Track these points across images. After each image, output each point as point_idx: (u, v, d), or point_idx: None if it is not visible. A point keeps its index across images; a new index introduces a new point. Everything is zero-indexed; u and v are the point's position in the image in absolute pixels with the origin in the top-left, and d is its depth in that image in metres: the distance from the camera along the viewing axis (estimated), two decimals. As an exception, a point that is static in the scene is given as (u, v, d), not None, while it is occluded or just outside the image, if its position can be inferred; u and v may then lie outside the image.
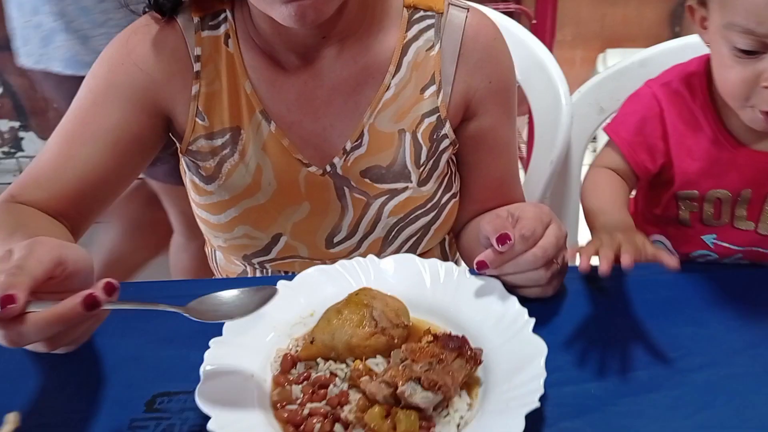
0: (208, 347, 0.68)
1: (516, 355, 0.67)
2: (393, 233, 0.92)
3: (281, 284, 0.76)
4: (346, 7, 0.81)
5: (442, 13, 0.86)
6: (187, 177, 0.95)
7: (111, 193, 0.90)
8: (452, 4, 0.87)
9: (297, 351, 0.71)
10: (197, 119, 0.87)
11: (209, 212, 0.93)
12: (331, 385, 0.66)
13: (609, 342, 0.74)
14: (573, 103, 1.15)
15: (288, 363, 0.69)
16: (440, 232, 0.95)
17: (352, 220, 0.91)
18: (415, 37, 0.87)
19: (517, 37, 1.18)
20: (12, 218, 0.80)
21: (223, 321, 0.65)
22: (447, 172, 0.95)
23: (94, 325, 0.65)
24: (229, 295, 0.64)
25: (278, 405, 0.65)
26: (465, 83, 0.88)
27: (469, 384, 0.67)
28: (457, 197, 0.98)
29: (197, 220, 0.97)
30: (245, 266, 1.01)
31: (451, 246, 1.07)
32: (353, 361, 0.68)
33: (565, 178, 1.19)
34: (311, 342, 0.69)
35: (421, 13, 0.87)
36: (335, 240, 0.92)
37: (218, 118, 0.86)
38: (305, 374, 0.68)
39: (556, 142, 1.12)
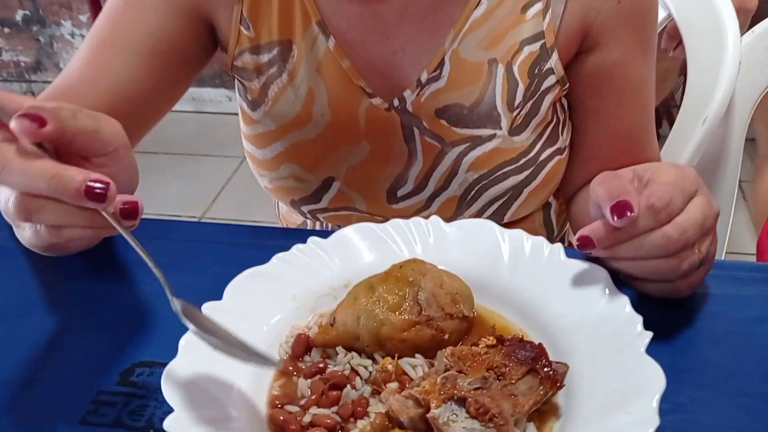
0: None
1: (617, 384, 0.45)
2: (473, 193, 0.74)
3: (312, 241, 0.59)
4: None
5: None
6: (238, 103, 0.79)
7: (150, 112, 0.76)
8: None
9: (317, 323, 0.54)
10: (241, 27, 0.72)
11: (255, 145, 0.78)
12: (348, 387, 0.48)
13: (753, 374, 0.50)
14: (742, 47, 0.88)
15: (301, 346, 0.52)
16: (537, 196, 0.77)
17: (421, 171, 0.74)
18: None
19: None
20: None
21: (196, 333, 0.47)
22: (551, 120, 0.74)
23: (80, 239, 0.50)
24: (229, 335, 0.47)
25: (277, 403, 0.48)
26: (583, 2, 0.68)
27: (543, 415, 0.47)
28: (565, 154, 0.77)
29: (246, 155, 0.81)
30: (305, 218, 0.85)
31: (559, 215, 0.85)
32: (383, 358, 0.50)
33: (722, 144, 0.93)
34: (331, 324, 0.51)
35: None
36: (399, 194, 0.75)
37: (266, 28, 0.71)
38: (319, 366, 0.50)
39: (715, 94, 0.86)
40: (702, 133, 0.87)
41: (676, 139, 0.92)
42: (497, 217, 0.76)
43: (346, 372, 0.50)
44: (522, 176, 0.74)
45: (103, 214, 0.46)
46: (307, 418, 0.47)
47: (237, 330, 0.51)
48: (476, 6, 0.68)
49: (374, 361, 0.50)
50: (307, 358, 0.52)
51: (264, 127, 0.75)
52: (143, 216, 0.49)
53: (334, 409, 0.47)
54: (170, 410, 0.45)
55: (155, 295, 0.60)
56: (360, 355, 0.51)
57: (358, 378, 0.49)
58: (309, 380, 0.50)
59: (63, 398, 0.52)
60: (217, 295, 0.54)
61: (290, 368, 0.51)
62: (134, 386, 0.53)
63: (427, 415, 0.43)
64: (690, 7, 0.91)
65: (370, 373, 0.50)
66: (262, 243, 0.61)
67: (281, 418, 0.47)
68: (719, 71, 0.86)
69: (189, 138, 2.66)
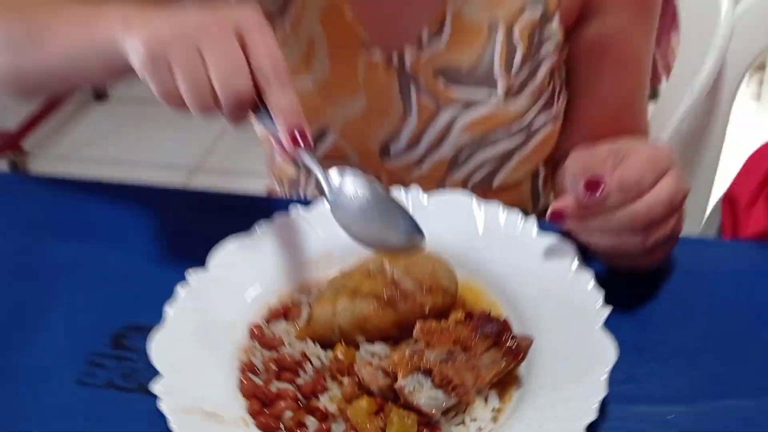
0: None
1: (573, 357, 0.49)
2: (464, 155, 0.75)
3: (294, 211, 0.62)
4: None
5: None
6: None
7: None
8: None
9: (303, 304, 0.56)
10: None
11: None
12: (299, 372, 0.51)
13: (717, 354, 0.54)
14: (736, 16, 0.88)
15: (273, 318, 0.55)
16: (527, 163, 0.78)
17: (415, 129, 0.75)
18: None
19: None
20: None
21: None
22: (547, 87, 0.75)
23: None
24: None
25: (245, 368, 0.52)
26: None
27: (505, 384, 0.50)
28: (558, 122, 0.78)
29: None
30: (296, 170, 0.87)
31: (546, 183, 0.87)
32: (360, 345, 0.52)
33: (709, 115, 0.93)
34: (307, 322, 0.54)
35: None
36: (392, 150, 0.77)
37: None
38: (274, 344, 0.53)
39: (704, 65, 0.86)
40: (688, 103, 0.87)
41: (663, 108, 0.93)
42: (486, 182, 0.78)
43: (298, 357, 0.52)
44: (513, 142, 0.75)
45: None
46: (273, 388, 0.50)
47: (218, 295, 0.54)
48: None
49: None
50: (280, 326, 0.55)
51: None
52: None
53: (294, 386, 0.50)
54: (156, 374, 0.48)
55: (148, 257, 0.64)
56: (325, 347, 0.53)
57: (308, 364, 0.51)
58: (268, 351, 0.53)
59: (58, 360, 0.56)
60: (201, 262, 0.57)
61: (256, 331, 0.54)
62: (125, 349, 0.56)
63: (395, 385, 0.46)
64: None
65: (322, 363, 0.51)
66: (246, 210, 0.64)
67: (249, 383, 0.50)
68: (710, 40, 0.86)
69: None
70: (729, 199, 0.76)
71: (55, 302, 0.61)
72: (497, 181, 0.78)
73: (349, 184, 0.54)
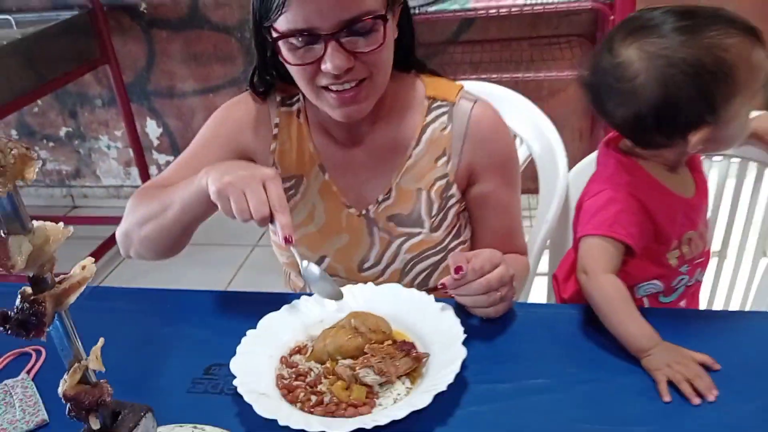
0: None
1: (446, 359, 0.95)
2: (408, 267, 1.19)
3: (304, 299, 1.10)
4: (379, 99, 1.13)
5: (454, 103, 1.15)
6: None
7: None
8: (463, 97, 1.16)
9: (308, 345, 1.03)
10: (274, 168, 1.19)
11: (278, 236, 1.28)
12: (308, 376, 0.97)
13: (531, 360, 1.01)
14: (574, 173, 1.41)
15: (294, 351, 1.02)
16: (448, 270, 1.24)
17: (378, 253, 1.18)
18: (433, 120, 1.15)
19: (533, 121, 1.46)
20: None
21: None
22: (456, 223, 1.19)
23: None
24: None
25: (279, 377, 0.98)
26: (469, 156, 1.15)
27: (414, 375, 0.96)
28: (467, 244, 1.23)
29: (272, 244, 1.31)
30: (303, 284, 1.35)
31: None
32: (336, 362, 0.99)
33: (562, 235, 1.44)
34: (311, 353, 1.01)
35: (438, 102, 1.16)
36: (365, 266, 1.20)
37: (287, 168, 1.19)
38: (294, 364, 1.00)
39: (551, 206, 1.38)
40: (544, 230, 1.38)
41: (534, 233, 1.43)
42: (425, 283, 1.24)
43: (307, 369, 0.98)
44: (437, 258, 1.17)
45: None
46: (294, 384, 0.96)
47: (262, 343, 1.02)
48: (409, 159, 1.16)
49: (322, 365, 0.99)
50: (294, 357, 1.02)
51: None
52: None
53: (304, 382, 0.97)
54: (233, 385, 0.94)
55: (222, 329, 1.11)
56: (320, 364, 0.99)
57: (312, 372, 0.98)
58: (291, 369, 0.99)
59: (176, 382, 1.02)
60: (250, 326, 1.04)
61: (283, 359, 1.01)
62: (212, 375, 1.03)
63: (354, 374, 0.93)
64: (541, 149, 1.45)
65: (320, 370, 0.98)
66: (274, 300, 1.13)
67: (280, 383, 0.97)
68: (554, 191, 1.39)
69: (208, 229, 3.14)
70: (555, 277, 1.26)
71: (173, 353, 1.08)
72: (431, 283, 1.25)
73: (312, 266, 1.06)
